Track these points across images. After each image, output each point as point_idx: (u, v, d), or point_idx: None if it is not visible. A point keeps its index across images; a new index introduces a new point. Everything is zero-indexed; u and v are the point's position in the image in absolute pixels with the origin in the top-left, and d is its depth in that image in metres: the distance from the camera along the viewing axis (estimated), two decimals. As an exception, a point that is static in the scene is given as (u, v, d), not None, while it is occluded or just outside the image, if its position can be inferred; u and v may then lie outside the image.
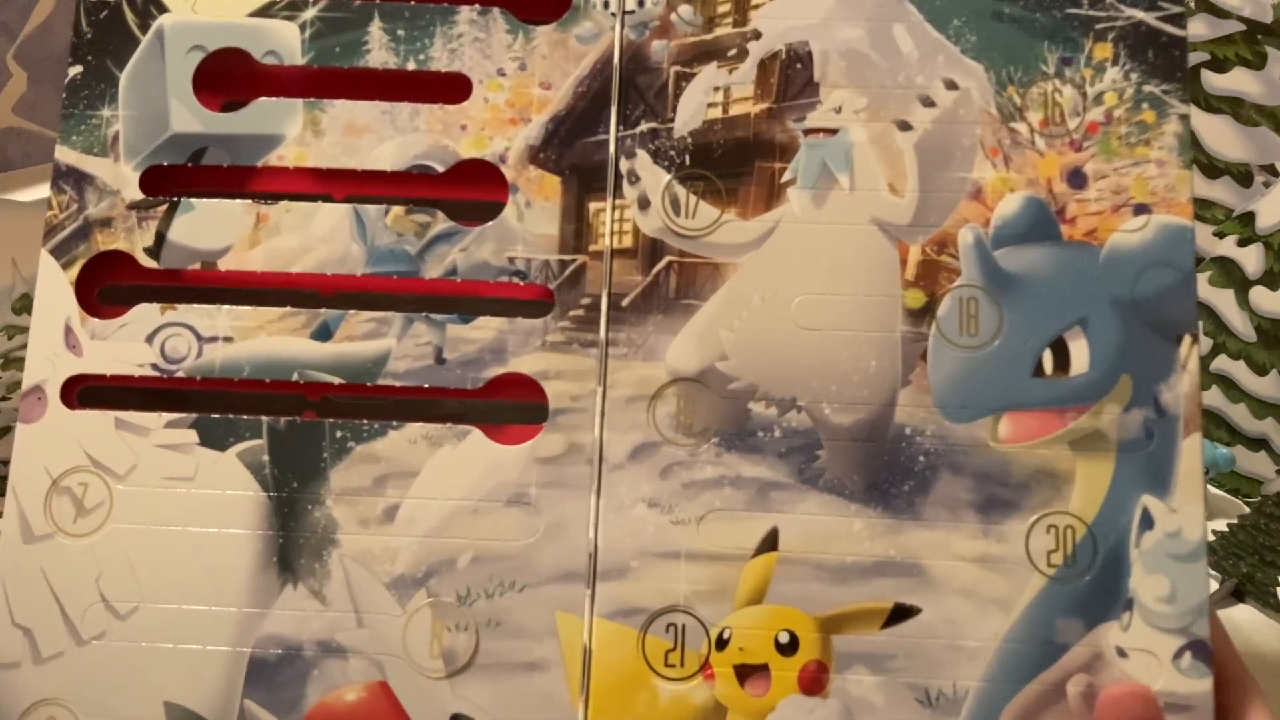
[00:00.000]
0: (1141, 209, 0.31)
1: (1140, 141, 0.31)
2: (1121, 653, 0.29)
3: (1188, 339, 0.30)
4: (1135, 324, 0.30)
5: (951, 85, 0.32)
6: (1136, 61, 0.31)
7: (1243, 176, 0.57)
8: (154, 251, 0.32)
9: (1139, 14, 0.32)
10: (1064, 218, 0.31)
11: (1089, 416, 0.30)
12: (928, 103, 0.32)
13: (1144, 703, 0.28)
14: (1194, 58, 0.56)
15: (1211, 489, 0.58)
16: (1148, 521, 0.29)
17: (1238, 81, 0.56)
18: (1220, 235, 0.56)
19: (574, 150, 0.32)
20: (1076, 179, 0.31)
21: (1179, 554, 0.29)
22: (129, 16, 0.33)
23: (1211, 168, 0.58)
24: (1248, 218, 0.55)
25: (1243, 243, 0.55)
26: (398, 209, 0.32)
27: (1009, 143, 0.31)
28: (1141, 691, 0.28)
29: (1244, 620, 0.50)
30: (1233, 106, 0.56)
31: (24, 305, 0.53)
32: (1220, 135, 0.57)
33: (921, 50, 0.32)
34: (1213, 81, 0.57)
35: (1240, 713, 0.28)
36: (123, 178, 0.32)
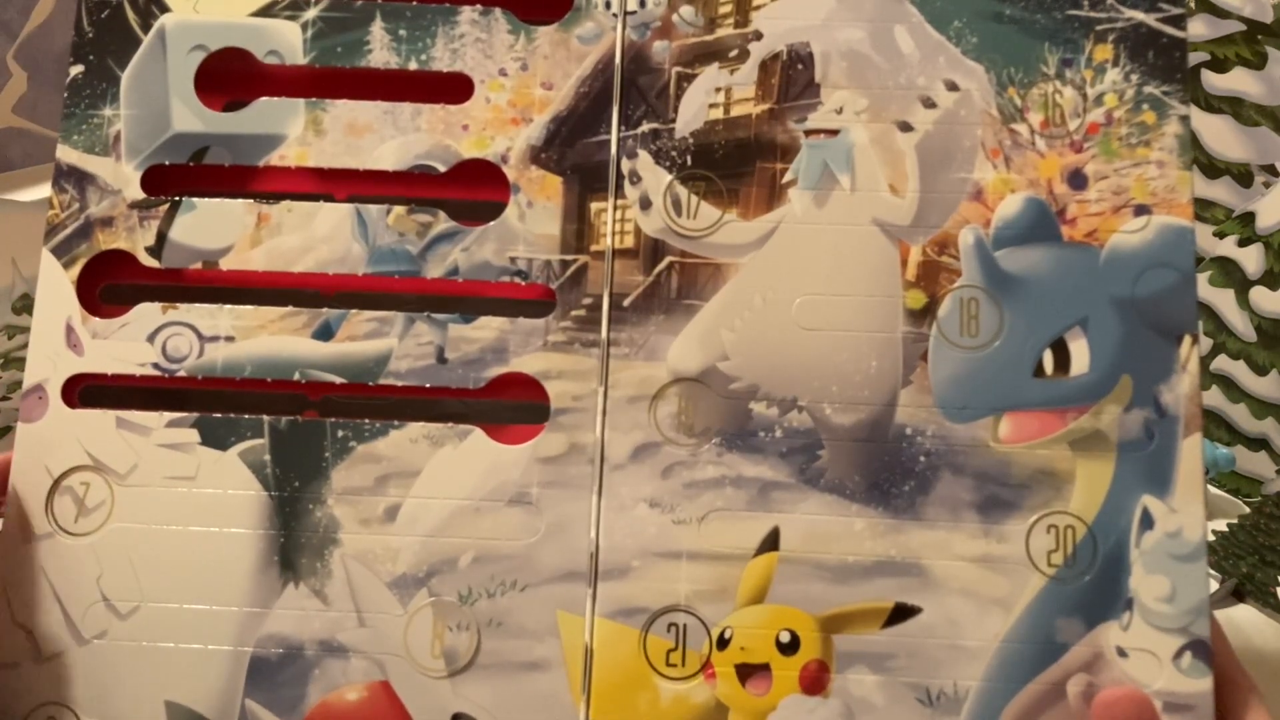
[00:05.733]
0: (1142, 210, 0.31)
1: (1141, 142, 0.31)
2: (1122, 652, 0.29)
3: (1188, 339, 0.30)
4: (1135, 324, 0.30)
5: (952, 86, 0.32)
6: (1137, 63, 0.32)
7: (1243, 176, 0.57)
8: (155, 251, 0.32)
9: (1139, 15, 0.32)
10: (1064, 218, 0.31)
11: (1089, 417, 0.30)
12: (929, 104, 0.32)
13: (1139, 706, 0.28)
14: (1194, 58, 0.56)
15: (1211, 489, 0.58)
16: (1148, 521, 0.29)
17: (1238, 81, 0.56)
18: (1220, 235, 0.56)
19: (575, 150, 0.32)
20: (1077, 180, 0.31)
21: (1179, 554, 0.29)
22: (130, 16, 0.33)
23: (1211, 168, 0.58)
24: (1248, 218, 0.55)
25: (1243, 243, 0.55)
26: (399, 209, 0.32)
27: (1010, 144, 0.31)
28: (1137, 695, 0.28)
29: (1244, 620, 0.50)
30: (1233, 106, 0.56)
31: (24, 305, 0.53)
32: (1220, 135, 0.57)
33: (922, 51, 0.32)
34: (1213, 81, 0.57)
35: (1238, 713, 0.28)
36: (124, 177, 0.32)
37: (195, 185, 0.33)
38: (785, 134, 0.32)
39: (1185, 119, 0.31)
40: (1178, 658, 0.29)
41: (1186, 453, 0.30)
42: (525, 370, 0.31)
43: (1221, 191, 0.58)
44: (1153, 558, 0.29)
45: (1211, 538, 0.52)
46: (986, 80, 0.32)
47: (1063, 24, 0.32)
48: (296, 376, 0.31)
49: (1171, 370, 0.30)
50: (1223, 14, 0.55)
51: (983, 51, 0.32)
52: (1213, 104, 0.57)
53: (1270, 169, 0.57)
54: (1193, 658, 0.29)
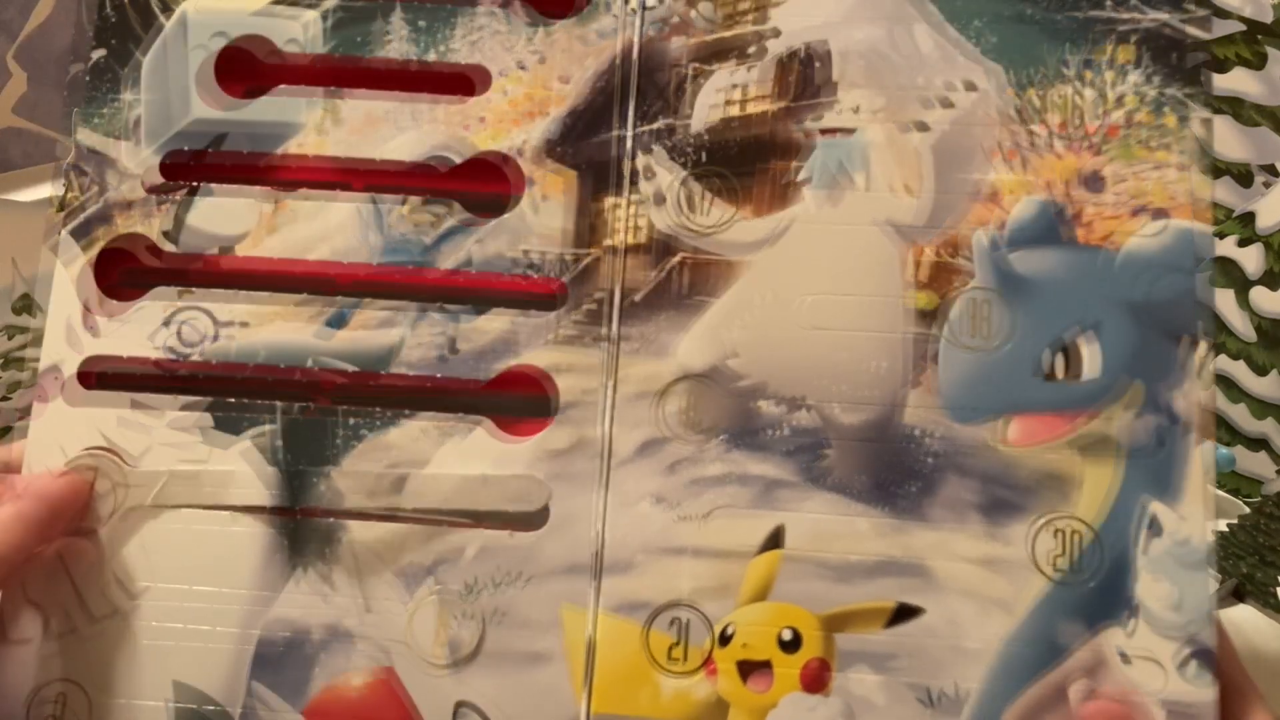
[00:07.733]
0: (1160, 213, 0.31)
1: (1161, 145, 0.31)
2: (1125, 658, 0.29)
3: (1201, 345, 0.30)
4: (1149, 329, 0.30)
5: (971, 86, 0.31)
6: (1159, 65, 0.31)
7: (1243, 176, 0.57)
8: (172, 236, 0.32)
9: (1163, 17, 0.31)
10: (1080, 221, 0.31)
11: (1098, 421, 0.30)
12: (946, 103, 0.31)
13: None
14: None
15: (1211, 489, 0.57)
16: (1155, 527, 0.29)
17: (1238, 81, 0.56)
18: (1220, 235, 0.56)
19: (590, 145, 0.32)
20: (1094, 182, 0.31)
21: (1186, 561, 0.29)
22: (152, 1, 0.33)
23: (1212, 168, 0.57)
24: (1248, 218, 0.55)
25: (1243, 243, 0.55)
26: (414, 200, 0.32)
27: (1027, 145, 0.31)
28: (1116, 710, 0.28)
29: (1244, 620, 0.50)
30: (1233, 106, 0.56)
31: (24, 305, 0.53)
32: (1220, 135, 0.57)
33: (941, 50, 0.32)
34: (1213, 81, 0.56)
35: (1240, 718, 0.28)
36: (143, 162, 0.33)
37: (213, 172, 0.33)
38: (800, 132, 0.32)
39: (1208, 122, 0.31)
40: (1182, 665, 0.29)
41: (1196, 460, 0.30)
42: (534, 363, 0.31)
43: (1221, 191, 0.57)
44: (1159, 564, 0.29)
45: (1211, 538, 0.52)
46: (1005, 80, 0.31)
47: (1085, 25, 0.32)
48: (309, 364, 0.32)
49: (1184, 376, 0.30)
50: (1223, 14, 0.55)
51: (1002, 51, 0.32)
52: (1213, 104, 0.56)
53: (1270, 169, 0.56)
54: (1197, 665, 0.29)
